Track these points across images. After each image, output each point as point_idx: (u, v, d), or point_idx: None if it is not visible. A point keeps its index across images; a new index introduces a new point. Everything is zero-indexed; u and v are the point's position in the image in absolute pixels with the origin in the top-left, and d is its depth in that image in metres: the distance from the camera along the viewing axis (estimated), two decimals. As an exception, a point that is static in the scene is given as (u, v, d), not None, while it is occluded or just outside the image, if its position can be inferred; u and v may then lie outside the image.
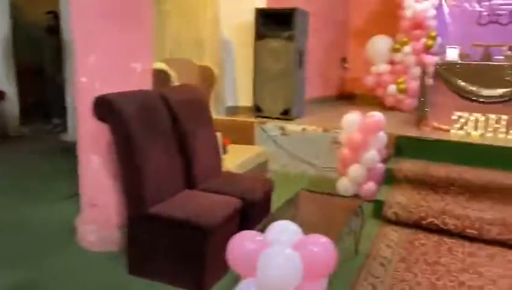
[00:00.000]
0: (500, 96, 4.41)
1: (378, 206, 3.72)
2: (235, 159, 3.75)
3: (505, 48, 4.77)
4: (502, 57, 4.74)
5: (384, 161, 4.27)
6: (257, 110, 5.25)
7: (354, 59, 7.23)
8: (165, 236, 2.57)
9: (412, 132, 4.60)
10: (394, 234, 3.45)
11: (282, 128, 4.94)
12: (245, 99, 5.39)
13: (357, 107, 6.20)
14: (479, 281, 2.76)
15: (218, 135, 3.55)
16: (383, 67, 6.33)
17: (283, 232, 2.00)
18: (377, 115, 4.13)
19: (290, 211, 2.86)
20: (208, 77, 4.37)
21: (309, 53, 6.20)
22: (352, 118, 4.19)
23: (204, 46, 4.71)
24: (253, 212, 2.93)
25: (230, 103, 5.29)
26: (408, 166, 4.05)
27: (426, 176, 3.87)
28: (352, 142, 4.11)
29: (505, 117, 4.39)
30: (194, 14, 4.77)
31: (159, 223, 2.58)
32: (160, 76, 3.58)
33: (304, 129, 4.86)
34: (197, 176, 3.07)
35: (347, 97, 7.30)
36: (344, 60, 7.38)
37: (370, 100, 6.70)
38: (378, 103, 6.49)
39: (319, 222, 2.87)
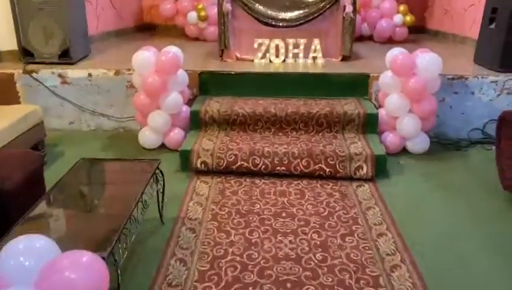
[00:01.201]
0: (297, 19, 4.26)
1: (185, 157, 3.28)
2: (-13, 129, 2.75)
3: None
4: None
5: (189, 102, 3.79)
6: (26, 54, 4.06)
7: (148, -17, 6.33)
8: None
9: (216, 66, 4.18)
10: (204, 187, 3.07)
11: (61, 76, 3.94)
12: (6, 41, 4.10)
13: (157, 40, 5.51)
14: (292, 225, 2.61)
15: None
16: (180, -8, 5.65)
17: (24, 256, 1.34)
18: (172, 51, 3.54)
19: (59, 198, 2.16)
20: None
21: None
22: (144, 57, 3.51)
23: None
24: (13, 206, 2.13)
25: (-19, 49, 3.94)
26: (214, 105, 3.66)
27: (233, 115, 3.55)
28: (148, 86, 3.48)
29: (302, 41, 4.30)
30: None
31: None
32: None
33: (90, 74, 3.96)
34: None
35: (147, 28, 6.45)
36: (137, -16, 6.39)
37: (173, 31, 6.05)
38: (181, 34, 5.90)
39: (104, 203, 2.25)
